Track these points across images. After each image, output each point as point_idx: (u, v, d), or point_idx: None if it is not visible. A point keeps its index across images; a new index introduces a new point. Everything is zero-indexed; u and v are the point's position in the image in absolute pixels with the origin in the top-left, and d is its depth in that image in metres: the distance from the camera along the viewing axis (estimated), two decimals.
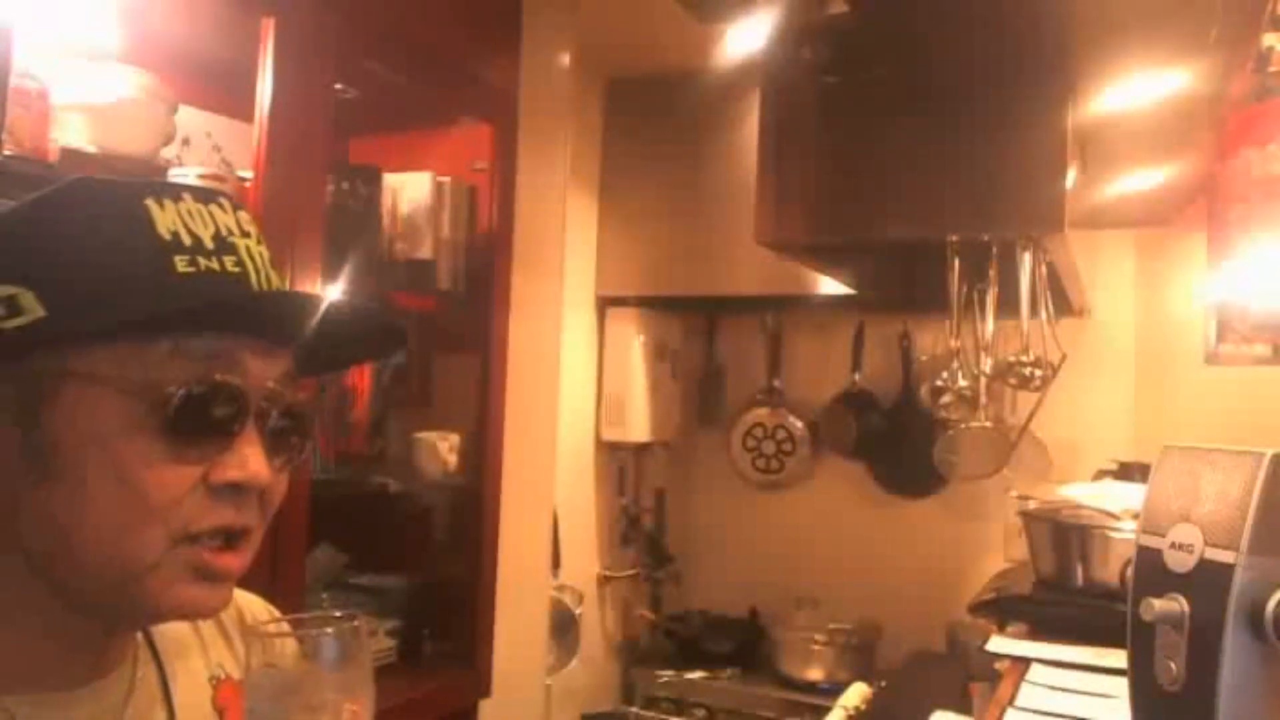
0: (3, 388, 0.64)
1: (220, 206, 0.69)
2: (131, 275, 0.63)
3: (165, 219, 0.65)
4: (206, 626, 0.82)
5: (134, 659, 0.74)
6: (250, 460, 0.66)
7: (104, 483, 0.63)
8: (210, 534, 0.66)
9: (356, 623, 0.70)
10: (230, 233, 0.68)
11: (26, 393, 0.64)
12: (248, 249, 0.69)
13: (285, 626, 0.70)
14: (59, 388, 0.63)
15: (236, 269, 0.67)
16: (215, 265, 0.66)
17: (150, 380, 0.63)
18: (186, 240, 0.65)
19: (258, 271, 0.68)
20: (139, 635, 0.75)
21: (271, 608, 0.89)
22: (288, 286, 0.73)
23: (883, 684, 2.37)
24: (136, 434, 0.63)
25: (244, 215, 0.70)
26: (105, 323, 0.62)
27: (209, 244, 0.66)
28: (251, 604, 0.87)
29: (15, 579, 0.66)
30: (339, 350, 0.85)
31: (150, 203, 0.65)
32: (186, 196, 0.67)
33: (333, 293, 1.72)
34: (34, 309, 0.62)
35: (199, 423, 0.64)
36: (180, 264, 0.64)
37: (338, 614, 0.72)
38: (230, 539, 0.67)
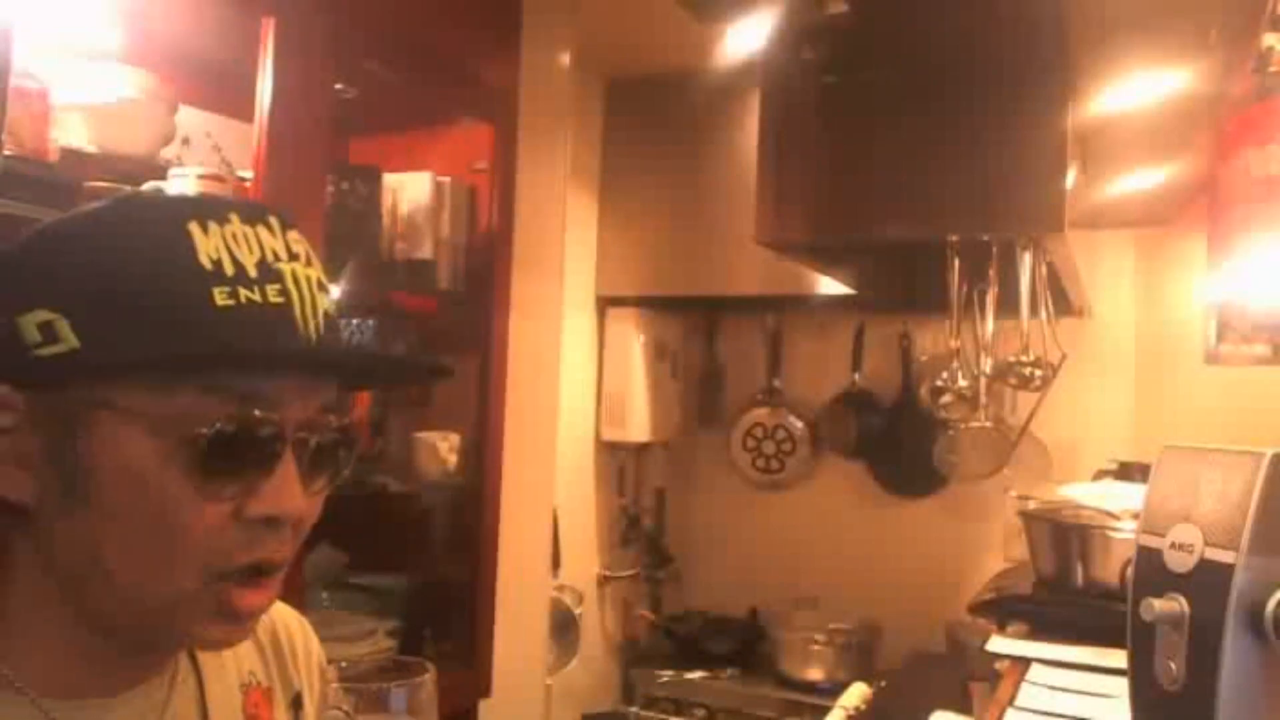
0: (38, 413, 0.63)
1: (268, 227, 0.66)
2: (167, 309, 0.61)
3: (208, 245, 0.63)
4: None
5: (175, 666, 0.74)
6: (284, 494, 0.65)
7: (136, 515, 0.63)
8: (243, 572, 0.65)
9: (428, 675, 0.70)
10: (277, 257, 0.66)
11: (61, 420, 0.63)
12: (294, 274, 0.66)
13: (359, 670, 0.71)
14: (92, 418, 0.62)
15: (279, 299, 0.64)
16: (257, 296, 0.63)
17: (181, 417, 0.62)
18: (229, 269, 0.63)
19: (302, 300, 0.66)
20: None
21: (303, 619, 0.89)
22: (332, 307, 0.71)
23: (883, 684, 2.37)
24: (168, 469, 0.62)
25: (293, 235, 0.68)
26: (136, 358, 0.61)
27: (252, 272, 0.64)
28: (284, 614, 0.87)
29: (50, 596, 0.66)
30: (380, 375, 0.84)
31: (194, 227, 0.63)
32: (234, 218, 0.65)
33: (334, 294, 1.72)
34: (69, 338, 0.61)
35: (231, 459, 0.63)
36: (220, 296, 0.62)
37: (409, 659, 0.72)
38: (262, 571, 0.66)
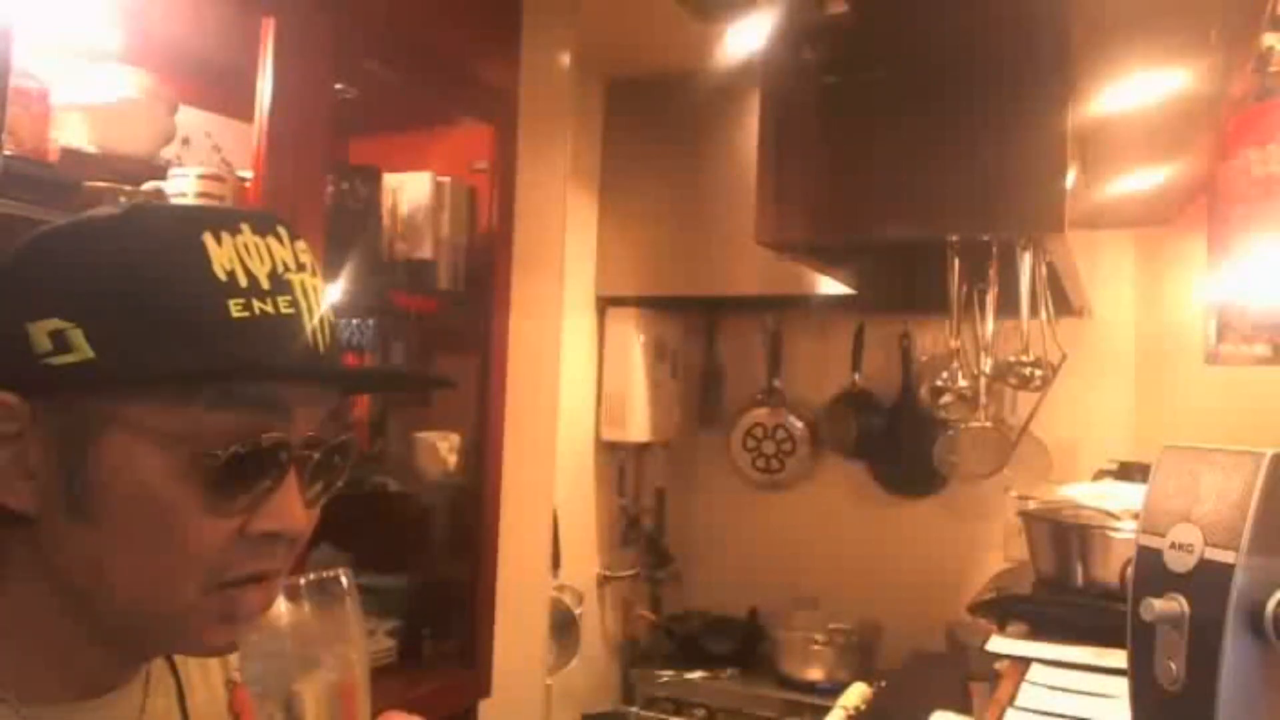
0: (48, 421, 0.63)
1: (278, 237, 0.67)
2: (186, 322, 0.61)
3: (221, 256, 0.63)
4: None
5: (150, 667, 0.74)
6: (288, 511, 0.65)
7: (142, 529, 0.63)
8: (243, 580, 0.66)
9: (338, 571, 0.71)
10: (286, 268, 0.66)
11: (71, 430, 0.62)
12: (302, 285, 0.66)
13: None
14: (103, 430, 0.62)
15: (290, 310, 0.65)
16: (269, 308, 0.64)
17: (193, 434, 0.62)
18: (243, 280, 0.63)
19: (310, 311, 0.66)
20: None
21: None
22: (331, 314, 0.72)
23: (883, 684, 2.36)
24: (177, 485, 0.62)
25: (300, 245, 0.68)
26: (157, 371, 0.61)
27: (265, 283, 0.64)
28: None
29: (41, 602, 0.66)
30: (381, 385, 0.83)
31: (208, 238, 0.63)
32: (245, 228, 0.65)
33: (334, 294, 1.72)
34: (83, 349, 0.60)
35: (242, 478, 0.63)
36: (235, 308, 0.62)
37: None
38: (262, 579, 0.67)
